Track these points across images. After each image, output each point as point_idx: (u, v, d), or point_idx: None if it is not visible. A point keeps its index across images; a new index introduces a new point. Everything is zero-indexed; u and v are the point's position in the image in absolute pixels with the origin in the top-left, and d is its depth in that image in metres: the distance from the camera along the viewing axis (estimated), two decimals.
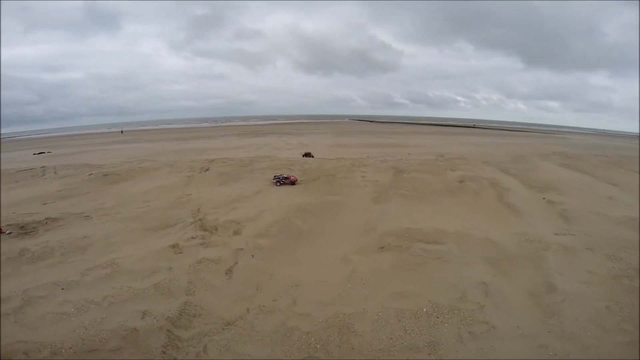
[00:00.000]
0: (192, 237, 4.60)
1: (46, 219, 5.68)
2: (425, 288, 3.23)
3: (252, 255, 4.02)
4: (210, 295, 3.23)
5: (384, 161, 9.97)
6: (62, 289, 3.34)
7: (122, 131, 46.22)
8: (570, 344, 2.50)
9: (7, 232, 5.04)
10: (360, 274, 3.55)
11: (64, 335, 2.60)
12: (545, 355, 2.41)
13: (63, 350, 2.44)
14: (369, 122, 57.77)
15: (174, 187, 7.61)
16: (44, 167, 11.06)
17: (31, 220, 5.64)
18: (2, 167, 12.28)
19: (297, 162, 9.99)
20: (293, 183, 7.28)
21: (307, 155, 11.46)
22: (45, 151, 19.48)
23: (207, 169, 9.13)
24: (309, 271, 3.69)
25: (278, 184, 7.31)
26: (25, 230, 5.19)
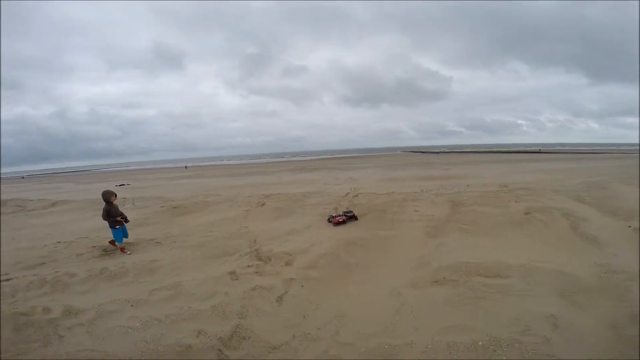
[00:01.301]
0: (248, 266, 4.86)
1: (124, 242, 6.48)
2: (483, 322, 3.00)
3: (302, 286, 4.09)
4: (260, 320, 3.35)
5: (439, 194, 9.59)
6: (132, 305, 3.75)
7: (186, 167, 51.62)
8: None
9: (128, 252, 5.90)
10: (410, 306, 3.41)
11: (127, 347, 2.88)
12: None
13: None
14: (421, 153, 56.40)
15: (234, 220, 8.19)
16: (124, 198, 12.70)
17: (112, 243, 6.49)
18: (90, 197, 14.35)
19: (346, 197, 10.10)
20: (344, 221, 7.09)
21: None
22: (126, 183, 22.48)
23: (263, 204, 9.67)
24: (355, 303, 3.64)
25: (334, 223, 7.01)
26: (106, 251, 5.99)
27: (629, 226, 5.50)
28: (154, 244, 6.43)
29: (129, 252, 5.89)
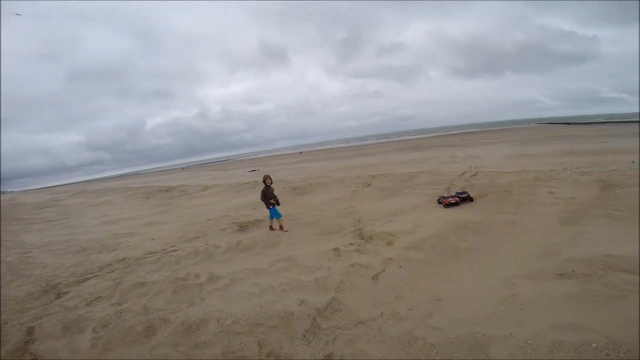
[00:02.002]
0: (351, 244, 5.12)
1: (255, 220, 7.67)
2: (607, 323, 2.48)
3: (400, 266, 4.10)
4: (353, 295, 3.55)
5: (585, 173, 7.77)
6: (256, 274, 4.45)
7: (301, 152, 56.17)
8: None
9: (286, 230, 6.67)
10: (521, 298, 3.04)
11: (245, 310, 3.45)
12: None
13: (240, 321, 3.25)
14: (564, 125, 45.80)
15: (342, 200, 8.65)
16: (255, 181, 14.80)
17: (246, 220, 7.76)
18: (231, 181, 17.26)
19: (462, 176, 9.23)
20: (457, 203, 6.59)
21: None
22: (256, 169, 26.38)
23: (369, 184, 9.80)
24: (457, 289, 3.44)
25: (445, 204, 6.61)
26: (242, 227, 7.18)
27: None
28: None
29: (286, 230, 6.55)
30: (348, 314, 3.22)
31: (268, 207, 6.52)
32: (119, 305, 3.97)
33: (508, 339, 2.50)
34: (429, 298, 3.31)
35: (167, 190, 17.19)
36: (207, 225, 7.89)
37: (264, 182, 6.59)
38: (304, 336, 2.94)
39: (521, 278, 3.43)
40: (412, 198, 7.68)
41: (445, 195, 6.88)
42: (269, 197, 6.48)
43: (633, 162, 8.98)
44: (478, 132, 54.09)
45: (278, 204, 6.58)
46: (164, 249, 6.28)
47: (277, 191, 11.34)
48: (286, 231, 6.42)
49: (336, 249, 4.93)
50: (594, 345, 2.27)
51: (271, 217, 6.56)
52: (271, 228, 6.62)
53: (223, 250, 5.69)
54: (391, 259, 4.31)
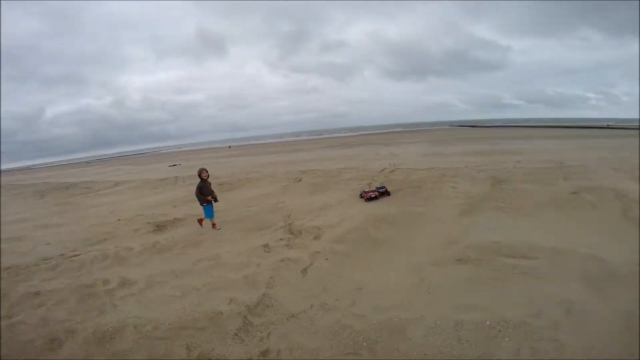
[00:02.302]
0: (280, 239, 5.22)
1: (174, 219, 7.22)
2: (497, 302, 3.01)
3: (326, 259, 4.34)
4: (284, 290, 3.66)
5: (481, 171, 9.15)
6: (176, 275, 4.24)
7: (230, 146, 53.74)
8: None
9: (218, 228, 6.28)
10: (428, 283, 3.49)
11: (167, 314, 3.29)
12: None
13: (162, 326, 3.10)
14: (472, 128, 52.77)
15: (272, 195, 8.67)
16: (176, 177, 13.87)
17: (164, 219, 7.26)
18: (148, 177, 15.90)
19: (382, 172, 10.05)
20: (376, 197, 7.15)
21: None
22: (178, 163, 24.42)
23: (300, 180, 10.03)
24: (376, 277, 3.79)
25: (366, 199, 7.11)
26: (159, 227, 6.71)
27: None
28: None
29: (218, 228, 6.23)
30: (280, 308, 3.31)
31: (203, 204, 6.13)
32: (9, 318, 3.46)
33: (420, 320, 2.86)
34: (353, 287, 3.57)
35: (67, 188, 15.07)
36: (118, 226, 7.12)
37: (200, 176, 6.12)
38: (236, 335, 2.94)
39: (428, 265, 3.93)
40: (339, 193, 8.09)
41: (367, 190, 7.43)
42: (205, 193, 6.07)
43: (518, 161, 10.86)
44: (401, 132, 58.91)
45: (215, 200, 6.23)
46: (62, 254, 5.50)
47: None
48: (219, 229, 6.17)
49: (266, 245, 4.98)
50: (488, 323, 2.72)
51: (206, 216, 6.22)
52: (200, 221, 6.33)
53: (137, 253, 5.25)
54: (318, 252, 4.52)
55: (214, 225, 6.29)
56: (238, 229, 6.11)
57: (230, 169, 16.21)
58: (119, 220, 7.66)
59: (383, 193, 7.30)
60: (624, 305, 2.79)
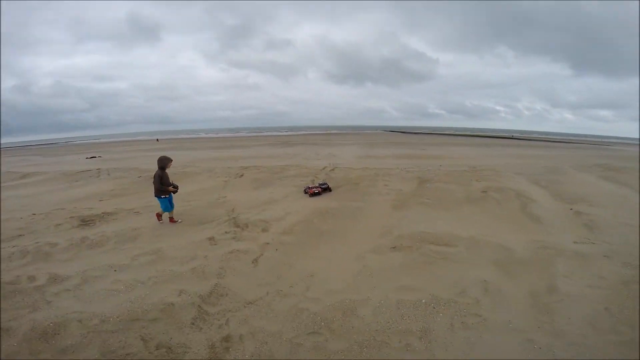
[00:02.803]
0: (226, 232, 5.20)
1: (103, 213, 6.62)
2: (428, 283, 3.52)
3: (276, 249, 4.51)
4: (237, 279, 3.73)
5: (409, 171, 10.18)
6: (115, 270, 3.99)
7: (157, 139, 49.11)
8: (557, 340, 2.65)
9: (179, 220, 5.84)
10: (370, 268, 3.90)
11: (113, 307, 3.14)
12: (530, 348, 2.58)
13: (111, 319, 2.96)
14: (402, 134, 57.24)
15: (212, 190, 8.43)
16: (99, 169, 12.54)
17: (90, 213, 6.61)
18: (62, 169, 14.07)
19: (323, 170, 10.52)
20: (319, 193, 7.52)
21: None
22: (97, 155, 21.76)
23: (242, 175, 9.94)
24: (324, 265, 4.09)
25: (310, 194, 7.42)
26: (85, 222, 6.10)
27: (571, 209, 6.22)
28: (134, 213, 6.58)
29: (179, 220, 5.79)
30: (235, 297, 3.37)
31: (160, 197, 5.61)
32: None
33: (367, 301, 3.21)
34: (305, 275, 3.82)
35: None
36: (34, 221, 6.25)
37: (161, 164, 5.61)
38: (193, 324, 2.93)
39: (368, 252, 4.36)
40: (283, 188, 8.27)
41: (310, 186, 7.79)
42: (166, 183, 5.57)
43: (440, 165, 12.31)
44: (338, 133, 61.02)
45: (175, 190, 5.75)
46: None
47: (132, 181, 9.99)
48: (180, 221, 5.81)
49: (211, 238, 4.92)
50: (423, 301, 3.17)
51: (164, 209, 5.75)
52: (159, 216, 5.83)
53: (63, 248, 4.73)
54: (268, 243, 4.66)
55: (172, 219, 5.89)
56: (178, 223, 5.88)
57: None
58: (33, 214, 6.73)
59: (325, 189, 7.70)
60: (528, 285, 3.47)
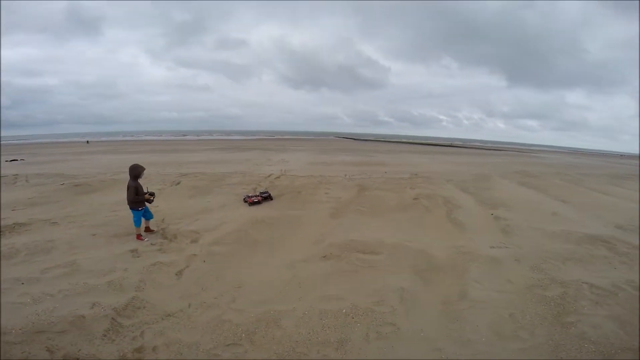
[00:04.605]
0: (152, 244, 4.93)
1: (14, 223, 5.87)
2: (351, 292, 3.61)
3: (204, 261, 4.36)
4: (157, 292, 3.56)
5: (352, 179, 10.48)
6: (22, 283, 3.64)
7: (87, 141, 44.25)
8: (463, 348, 2.81)
9: (146, 239, 5.15)
10: (299, 278, 3.93)
11: (16, 320, 2.90)
12: (437, 358, 2.70)
13: (13, 331, 2.75)
14: (353, 140, 59.01)
15: None
16: (16, 175, 11.10)
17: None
18: None
19: (268, 178, 10.42)
20: (259, 201, 7.40)
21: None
22: (19, 158, 19.12)
23: (179, 183, 9.44)
24: (255, 275, 4.04)
25: (249, 203, 7.28)
26: None
27: (492, 214, 6.80)
28: (50, 224, 5.94)
29: (146, 240, 5.11)
30: (153, 309, 3.23)
31: (137, 209, 5.08)
32: None
33: (292, 312, 3.22)
34: (233, 286, 3.75)
35: None
36: None
37: (133, 173, 5.08)
38: (105, 335, 2.78)
39: (300, 261, 4.40)
40: (222, 197, 8.02)
41: (250, 195, 7.65)
42: (141, 193, 5.11)
43: (385, 172, 12.83)
44: (292, 139, 60.94)
45: (152, 199, 5.25)
46: None
47: (54, 188, 8.98)
48: (147, 240, 5.12)
49: (134, 250, 4.62)
50: (344, 311, 3.24)
51: (142, 220, 5.19)
52: (139, 237, 5.15)
53: None
54: (195, 254, 4.50)
55: (148, 228, 5.39)
56: (101, 234, 5.38)
57: (92, 167, 13.82)
58: None
59: (266, 197, 7.61)
60: (442, 291, 3.67)
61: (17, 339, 2.67)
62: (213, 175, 10.68)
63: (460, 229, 5.90)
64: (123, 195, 8.15)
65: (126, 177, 10.23)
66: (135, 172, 5.11)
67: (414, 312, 3.30)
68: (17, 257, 4.45)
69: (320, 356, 2.68)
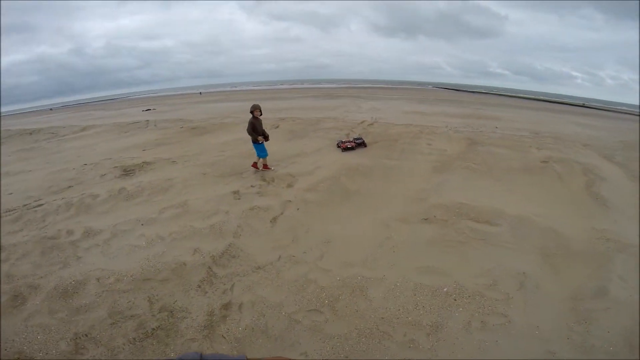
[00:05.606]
0: (252, 186, 5.09)
1: (143, 162, 6.83)
2: (456, 268, 3.05)
3: (298, 209, 4.29)
4: (252, 239, 3.61)
5: (458, 131, 9.15)
6: (142, 224, 4.06)
7: (200, 93, 49.41)
8: (583, 355, 2.17)
9: (272, 168, 5.96)
10: (393, 241, 3.52)
11: (130, 266, 3.18)
12: None
13: (125, 278, 3.01)
14: (456, 91, 52.37)
15: (246, 141, 8.25)
16: (147, 120, 13.02)
17: (132, 163, 6.85)
18: (119, 120, 14.83)
19: (361, 124, 9.86)
20: (353, 147, 7.07)
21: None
22: (152, 108, 22.81)
23: (278, 126, 9.71)
24: (344, 230, 3.78)
25: (342, 148, 7.03)
26: (126, 171, 6.32)
27: None
28: (170, 162, 6.69)
29: (272, 168, 5.89)
30: (246, 259, 3.26)
31: (255, 143, 5.67)
32: None
33: (381, 281, 2.89)
34: (322, 240, 3.56)
35: (31, 134, 13.55)
36: (84, 171, 6.60)
37: (252, 113, 5.60)
38: (199, 287, 2.89)
39: (396, 220, 3.95)
40: (316, 141, 7.92)
41: (344, 140, 7.35)
42: (258, 131, 5.60)
43: (496, 127, 10.95)
44: (384, 87, 57.44)
45: (267, 139, 5.75)
46: (26, 204, 5.06)
47: (175, 131, 10.24)
48: (273, 169, 5.84)
49: (236, 192, 4.83)
50: (445, 289, 2.76)
51: (259, 155, 5.78)
52: (255, 165, 5.88)
53: (103, 200, 4.91)
54: (290, 201, 4.46)
55: (265, 166, 5.93)
56: (209, 174, 5.87)
57: (206, 114, 15.33)
58: (85, 165, 7.11)
59: (360, 144, 7.23)
60: (574, 284, 2.88)
61: (127, 287, 2.88)
62: (308, 120, 10.65)
63: (604, 208, 4.54)
64: (229, 137, 8.90)
65: (234, 121, 11.12)
66: (253, 111, 5.60)
67: (533, 304, 2.64)
68: (142, 195, 5.04)
69: (406, 340, 2.31)
